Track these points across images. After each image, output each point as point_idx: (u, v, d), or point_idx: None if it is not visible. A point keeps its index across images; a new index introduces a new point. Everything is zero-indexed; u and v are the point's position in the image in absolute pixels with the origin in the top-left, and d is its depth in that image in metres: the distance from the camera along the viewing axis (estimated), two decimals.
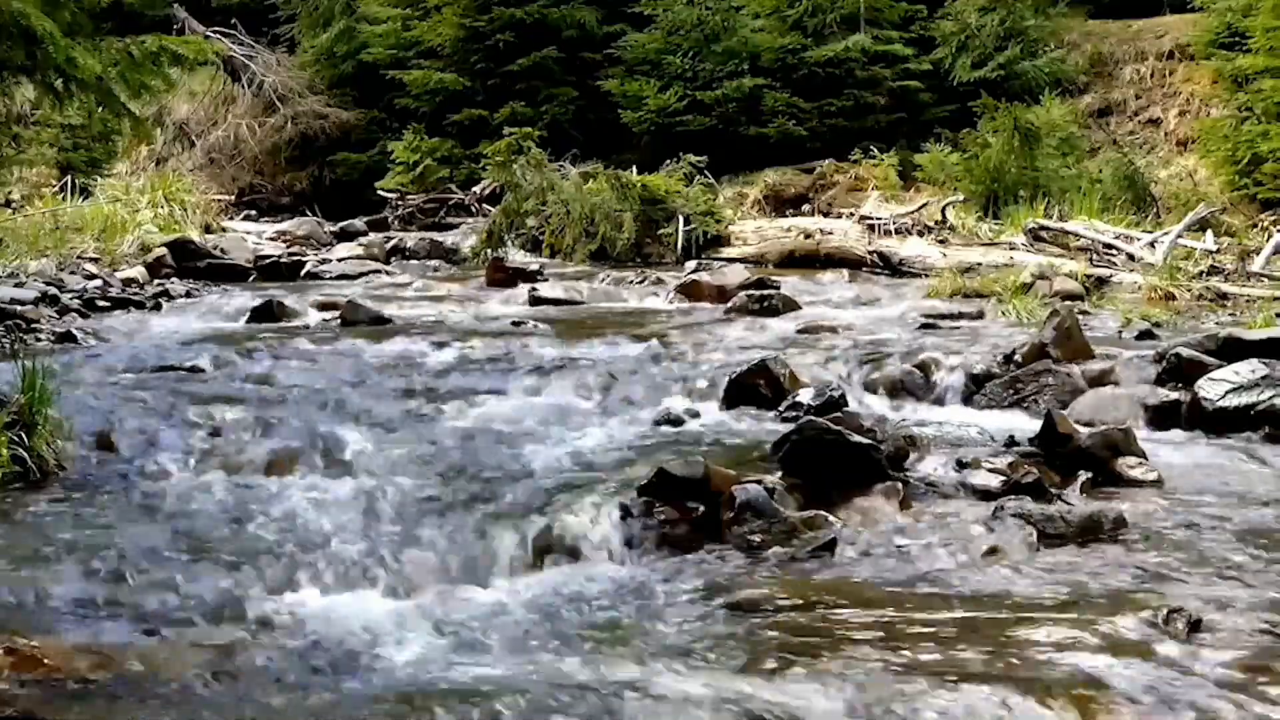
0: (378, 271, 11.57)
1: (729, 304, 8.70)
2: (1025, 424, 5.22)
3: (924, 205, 12.30)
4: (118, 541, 3.79)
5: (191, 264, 10.85)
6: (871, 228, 11.84)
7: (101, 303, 8.69)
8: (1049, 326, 6.38)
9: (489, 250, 12.43)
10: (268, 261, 11.43)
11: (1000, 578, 3.61)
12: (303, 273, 11.23)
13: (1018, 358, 6.19)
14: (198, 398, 5.50)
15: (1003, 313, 8.34)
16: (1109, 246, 10.28)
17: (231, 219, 15.59)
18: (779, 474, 4.30)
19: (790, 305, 8.69)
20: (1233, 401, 5.34)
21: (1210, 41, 13.85)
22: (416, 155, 16.61)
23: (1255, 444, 5.13)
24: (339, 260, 12.04)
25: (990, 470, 4.41)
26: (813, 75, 15.70)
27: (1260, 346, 5.85)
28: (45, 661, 2.93)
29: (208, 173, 18.12)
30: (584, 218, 12.24)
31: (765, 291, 8.86)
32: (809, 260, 11.43)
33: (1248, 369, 5.45)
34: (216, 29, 18.42)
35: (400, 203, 16.38)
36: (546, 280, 10.12)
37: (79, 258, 10.36)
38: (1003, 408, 5.85)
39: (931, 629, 3.20)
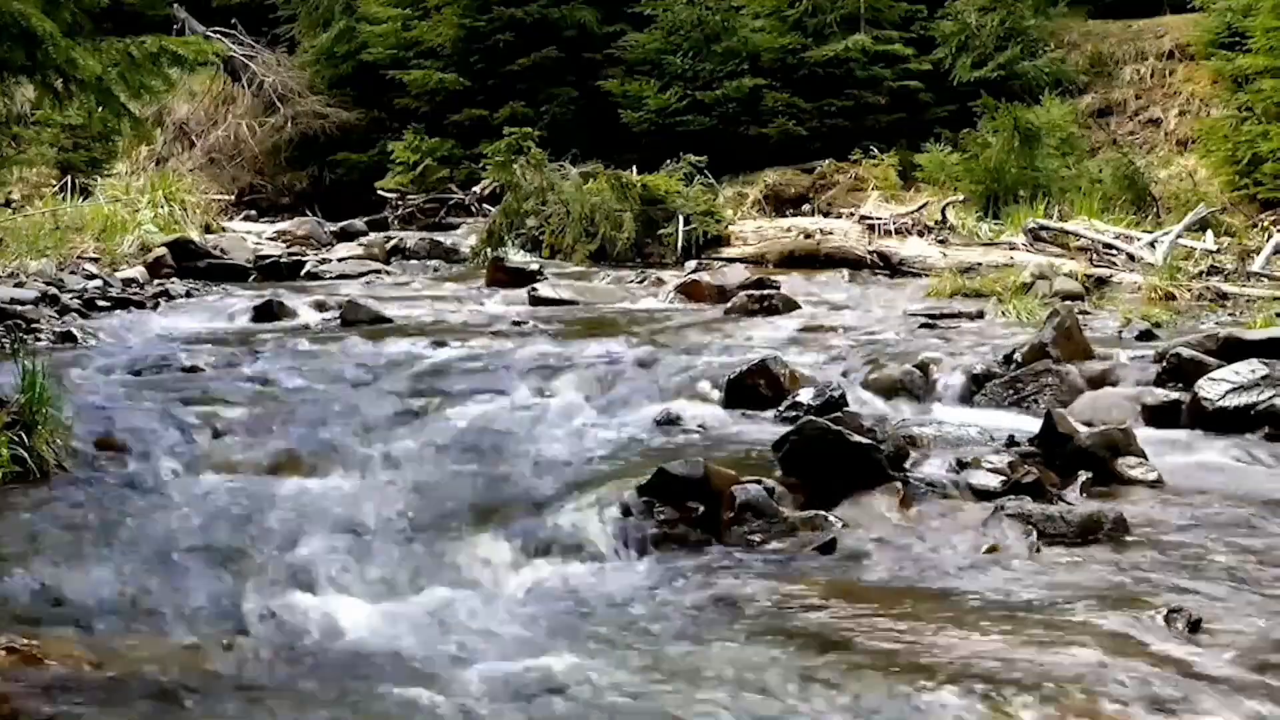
0: (378, 271, 11.57)
1: (729, 304, 8.69)
2: (1025, 424, 5.21)
3: (924, 205, 12.30)
4: (118, 541, 3.79)
5: (191, 264, 10.85)
6: (871, 228, 11.83)
7: (101, 303, 8.68)
8: (1049, 326, 6.38)
9: (489, 250, 12.43)
10: (268, 261, 11.43)
11: (1000, 578, 3.61)
12: (303, 273, 11.23)
13: (1018, 358, 6.19)
14: (198, 398, 5.50)
15: (1003, 313, 8.35)
16: (1109, 246, 10.28)
17: (231, 219, 15.58)
18: (779, 474, 4.31)
19: (790, 305, 8.69)
20: (1233, 401, 5.34)
21: (1210, 41, 13.85)
22: (416, 155, 16.60)
23: (1255, 444, 5.12)
24: (339, 260, 12.04)
25: (990, 470, 4.41)
26: (813, 75, 15.70)
27: (1260, 346, 5.85)
28: (46, 661, 2.93)
29: (208, 173, 18.10)
30: (584, 218, 12.24)
31: (765, 291, 8.87)
32: (809, 260, 11.42)
33: (1248, 369, 5.45)
34: (216, 29, 18.41)
35: (400, 203, 16.38)
36: (546, 280, 10.11)
37: (79, 258, 10.35)
38: (1003, 408, 5.84)
39: (931, 629, 3.20)
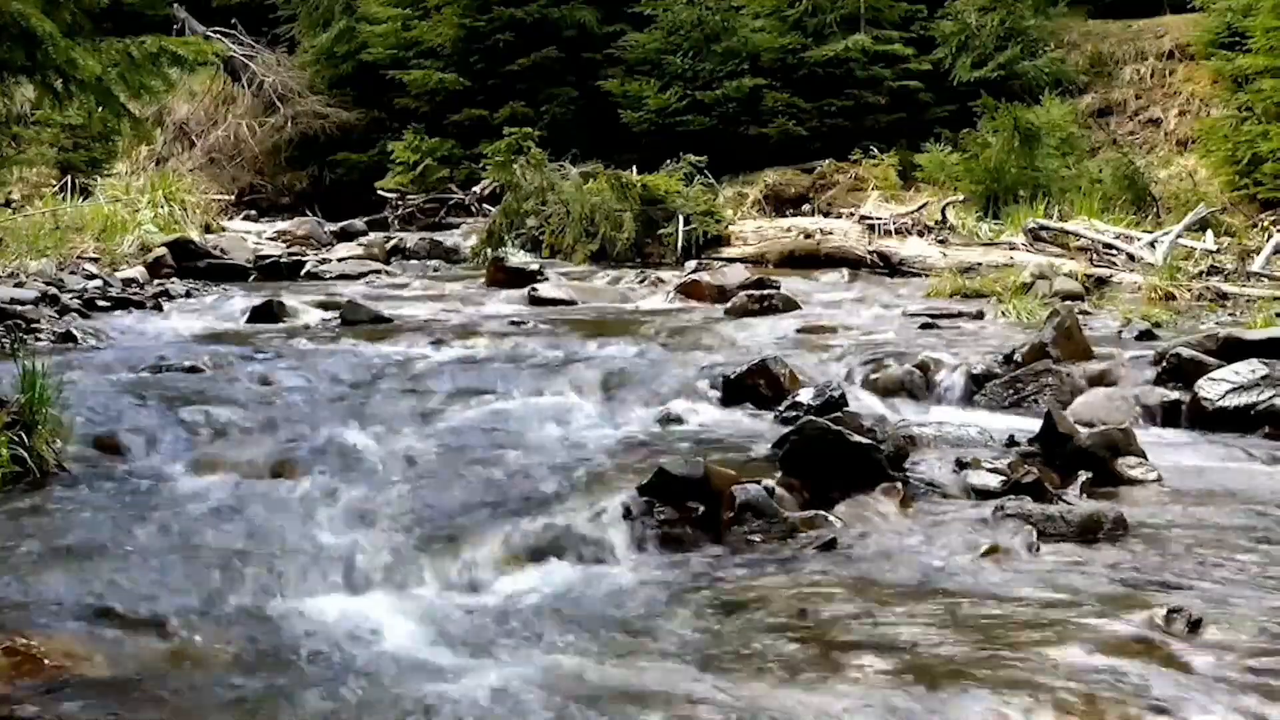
0: (378, 271, 11.57)
1: (729, 304, 8.70)
2: (1025, 424, 5.21)
3: (924, 205, 12.31)
4: (118, 541, 3.79)
5: (191, 264, 10.85)
6: (871, 228, 11.84)
7: (101, 303, 8.68)
8: (1049, 326, 6.38)
9: (489, 250, 12.43)
10: (268, 261, 11.43)
11: (1000, 578, 3.61)
12: (303, 273, 11.23)
13: (1018, 358, 6.20)
14: (198, 398, 5.50)
15: (1003, 313, 8.35)
16: (1109, 246, 10.28)
17: (231, 219, 15.59)
18: (779, 474, 4.31)
19: (790, 305, 8.69)
20: (1233, 401, 5.35)
21: (1210, 41, 13.85)
22: (416, 155, 16.61)
23: (1255, 444, 5.13)
24: (339, 260, 12.04)
25: (990, 470, 4.41)
26: (813, 75, 15.71)
27: (1260, 346, 5.86)
28: (46, 661, 2.93)
29: (208, 173, 18.10)
30: (584, 218, 12.24)
31: (765, 291, 8.87)
32: (809, 260, 11.43)
33: (1248, 369, 5.46)
34: (216, 29, 18.43)
35: (400, 203, 16.39)
36: (546, 280, 10.11)
37: (79, 258, 10.35)
38: (1003, 408, 5.85)
39: (931, 629, 3.20)
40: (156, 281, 10.04)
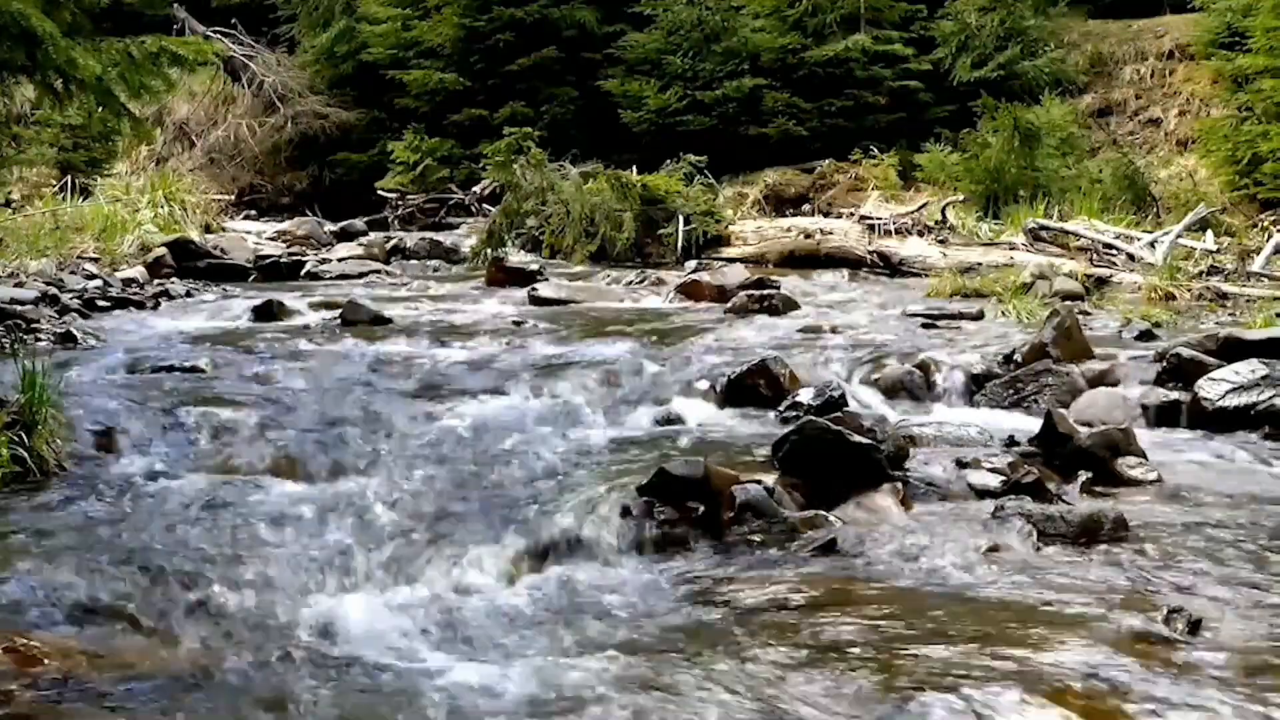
0: (378, 271, 11.57)
1: (729, 304, 8.70)
2: (1025, 424, 5.22)
3: (924, 205, 12.30)
4: (118, 541, 3.79)
5: (191, 264, 10.85)
6: (871, 228, 11.83)
7: (101, 303, 8.67)
8: (1049, 326, 6.38)
9: (489, 250, 12.43)
10: (268, 261, 11.43)
11: (1000, 578, 3.61)
12: (303, 273, 11.22)
13: (1018, 358, 6.20)
14: (198, 398, 5.50)
15: (1003, 313, 8.35)
16: (1109, 246, 10.28)
17: (232, 219, 15.58)
18: (779, 474, 4.31)
19: (790, 305, 8.69)
20: (1233, 401, 5.35)
21: (1210, 41, 13.85)
22: (416, 155, 16.61)
23: (1255, 444, 5.14)
24: (339, 260, 12.03)
25: (990, 470, 4.42)
26: (813, 75, 15.71)
27: (1260, 346, 5.86)
28: (45, 661, 2.93)
29: (208, 173, 18.09)
30: (584, 218, 12.24)
31: (765, 291, 8.86)
32: (809, 260, 11.42)
33: (1248, 369, 5.46)
34: (216, 29, 18.43)
35: (400, 203, 16.39)
36: (546, 280, 10.11)
37: (79, 258, 10.34)
38: (1003, 408, 5.85)
39: (931, 629, 3.20)
40: (156, 281, 10.03)
